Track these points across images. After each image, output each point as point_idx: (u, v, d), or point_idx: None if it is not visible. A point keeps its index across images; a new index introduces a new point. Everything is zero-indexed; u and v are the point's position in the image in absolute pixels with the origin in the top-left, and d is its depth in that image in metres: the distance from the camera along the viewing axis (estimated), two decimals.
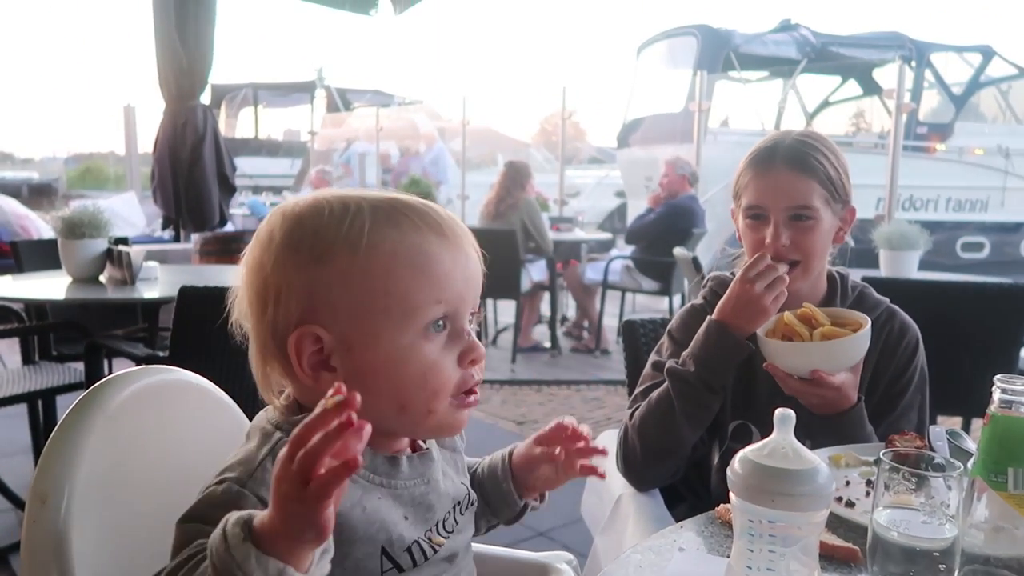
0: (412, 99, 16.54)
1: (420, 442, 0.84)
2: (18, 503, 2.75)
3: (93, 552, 0.78)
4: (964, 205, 10.23)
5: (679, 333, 1.39)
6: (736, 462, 0.70)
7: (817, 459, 0.69)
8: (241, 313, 0.79)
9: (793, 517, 0.67)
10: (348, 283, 0.72)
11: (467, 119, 8.76)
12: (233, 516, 0.58)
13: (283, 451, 0.55)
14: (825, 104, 12.43)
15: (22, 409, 2.80)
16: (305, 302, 0.73)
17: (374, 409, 0.74)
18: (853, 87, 12.17)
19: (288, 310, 0.73)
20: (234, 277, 0.80)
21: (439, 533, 0.81)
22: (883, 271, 3.42)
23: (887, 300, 1.40)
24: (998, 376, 0.81)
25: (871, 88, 11.62)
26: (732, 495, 0.70)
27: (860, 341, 1.22)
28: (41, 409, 2.78)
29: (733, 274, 1.42)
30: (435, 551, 0.79)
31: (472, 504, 0.88)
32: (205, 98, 5.23)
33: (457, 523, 0.84)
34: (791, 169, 1.29)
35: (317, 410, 0.54)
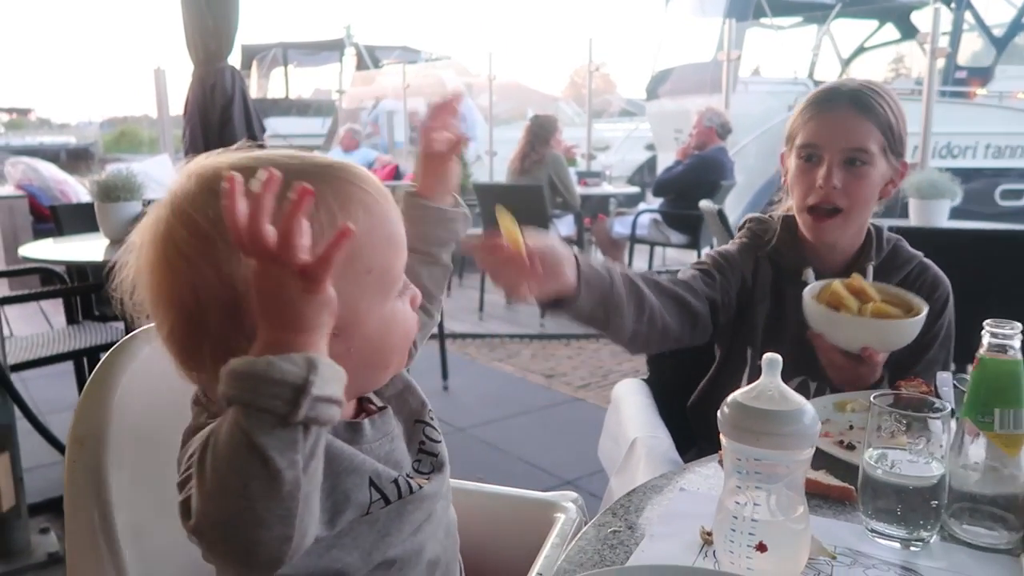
0: (439, 55, 16.45)
1: (373, 404, 0.83)
2: None
3: (130, 491, 0.84)
4: (1004, 152, 9.93)
5: (711, 261, 1.39)
6: (725, 405, 0.73)
7: (802, 401, 0.72)
8: (165, 307, 0.71)
9: (778, 456, 0.71)
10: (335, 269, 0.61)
11: (494, 74, 8.70)
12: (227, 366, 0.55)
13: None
14: (861, 50, 12.08)
15: (69, 367, 2.93)
16: None
17: (361, 376, 0.73)
18: (890, 31, 11.80)
19: None
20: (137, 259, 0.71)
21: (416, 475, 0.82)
22: (913, 220, 3.37)
23: (921, 254, 1.38)
24: (988, 320, 0.83)
25: (909, 31, 11.25)
26: (722, 436, 0.74)
27: (917, 325, 1.19)
28: (86, 366, 2.90)
29: (772, 217, 1.43)
30: (420, 487, 0.80)
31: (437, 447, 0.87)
32: (235, 59, 5.26)
33: (426, 464, 0.84)
34: (852, 109, 1.27)
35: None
